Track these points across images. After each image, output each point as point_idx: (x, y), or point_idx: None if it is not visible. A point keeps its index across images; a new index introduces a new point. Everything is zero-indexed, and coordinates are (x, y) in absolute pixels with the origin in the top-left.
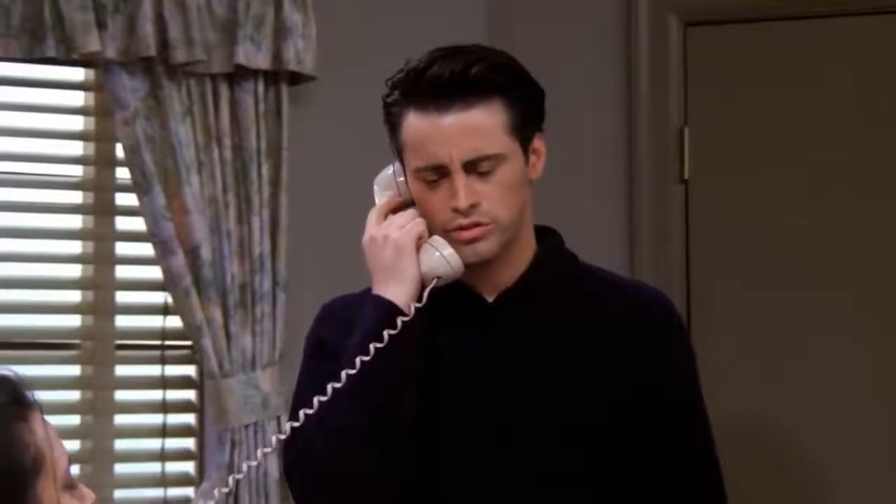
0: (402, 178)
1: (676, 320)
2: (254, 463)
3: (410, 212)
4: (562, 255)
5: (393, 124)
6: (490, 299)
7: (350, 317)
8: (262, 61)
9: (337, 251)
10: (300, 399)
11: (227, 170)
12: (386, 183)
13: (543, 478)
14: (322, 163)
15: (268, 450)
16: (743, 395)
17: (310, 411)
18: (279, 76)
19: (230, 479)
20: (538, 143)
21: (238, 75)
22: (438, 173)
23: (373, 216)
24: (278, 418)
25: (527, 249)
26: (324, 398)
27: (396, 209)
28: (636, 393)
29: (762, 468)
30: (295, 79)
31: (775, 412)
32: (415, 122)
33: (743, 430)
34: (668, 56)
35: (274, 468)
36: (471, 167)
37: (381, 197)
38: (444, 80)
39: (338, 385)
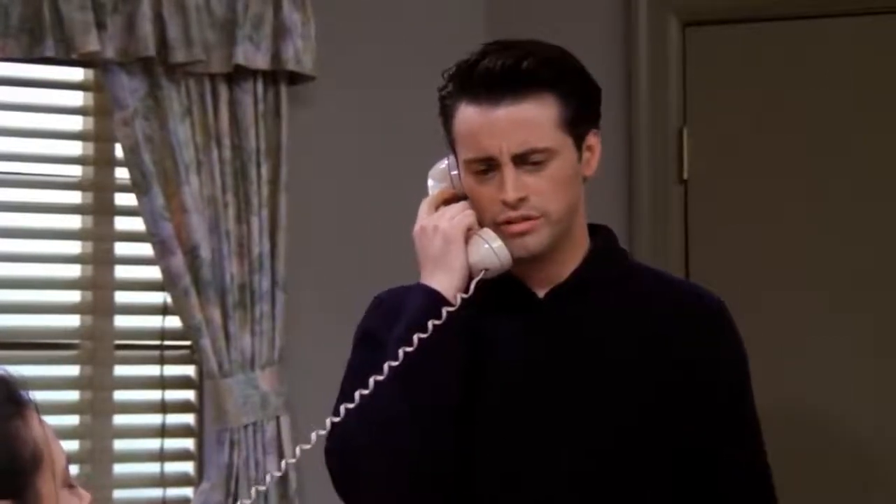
0: (455, 172)
1: (727, 321)
2: (292, 460)
3: (462, 203)
4: (614, 252)
5: (446, 116)
6: (541, 295)
7: (397, 308)
8: (261, 61)
9: (336, 251)
10: (343, 391)
11: (227, 170)
12: (440, 175)
13: (585, 478)
14: (321, 163)
15: (307, 446)
16: None
17: (350, 406)
18: (278, 76)
19: (268, 477)
20: (593, 140)
21: (237, 75)
22: (489, 165)
23: (424, 206)
24: (277, 418)
25: (580, 246)
26: (365, 391)
27: (448, 201)
28: (683, 393)
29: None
30: (294, 79)
31: (775, 412)
32: (466, 114)
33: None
34: (667, 56)
35: (273, 468)
36: (520, 160)
37: (435, 189)
38: (495, 72)
39: (380, 378)
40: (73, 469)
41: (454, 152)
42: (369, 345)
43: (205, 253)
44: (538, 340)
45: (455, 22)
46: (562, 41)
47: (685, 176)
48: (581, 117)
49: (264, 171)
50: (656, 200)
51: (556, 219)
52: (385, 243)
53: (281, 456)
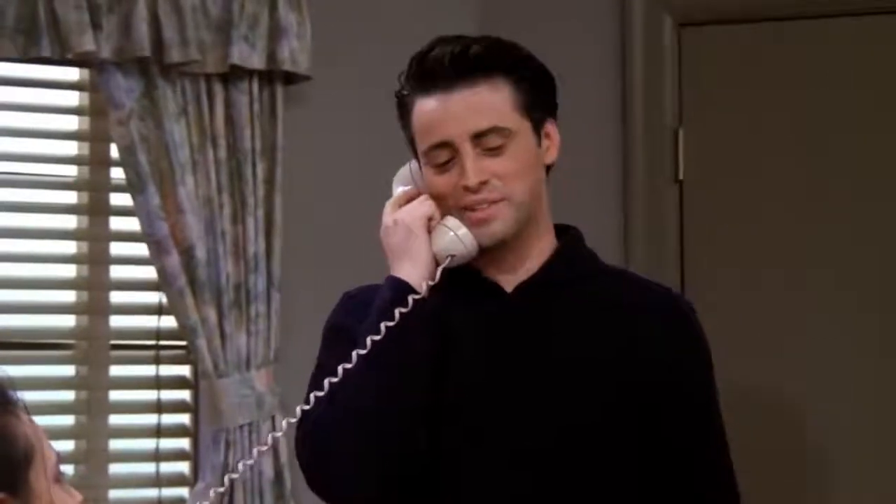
0: (419, 174)
1: (694, 322)
2: (250, 461)
3: (421, 196)
4: (582, 251)
5: (405, 117)
6: (508, 290)
7: (366, 302)
8: (256, 61)
9: (332, 251)
10: (312, 383)
11: (222, 170)
12: (404, 179)
13: (549, 475)
14: (317, 163)
15: (264, 448)
16: (738, 393)
17: (320, 394)
18: (274, 76)
19: (225, 479)
20: (550, 128)
21: (233, 75)
22: (449, 154)
23: (387, 208)
24: (273, 418)
25: (546, 242)
26: (334, 380)
27: (411, 200)
28: (649, 392)
29: (761, 464)
30: (290, 79)
31: (772, 411)
32: (422, 107)
33: (740, 428)
34: (662, 56)
35: (269, 468)
36: (479, 142)
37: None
38: (445, 60)
39: (348, 366)
40: (69, 469)
41: (414, 151)
42: (337, 339)
43: (200, 253)
44: (503, 335)
45: (451, 22)
46: (557, 41)
47: (680, 176)
48: (535, 102)
49: (260, 171)
50: (651, 201)
51: (518, 200)
52: (380, 243)
53: (276, 456)
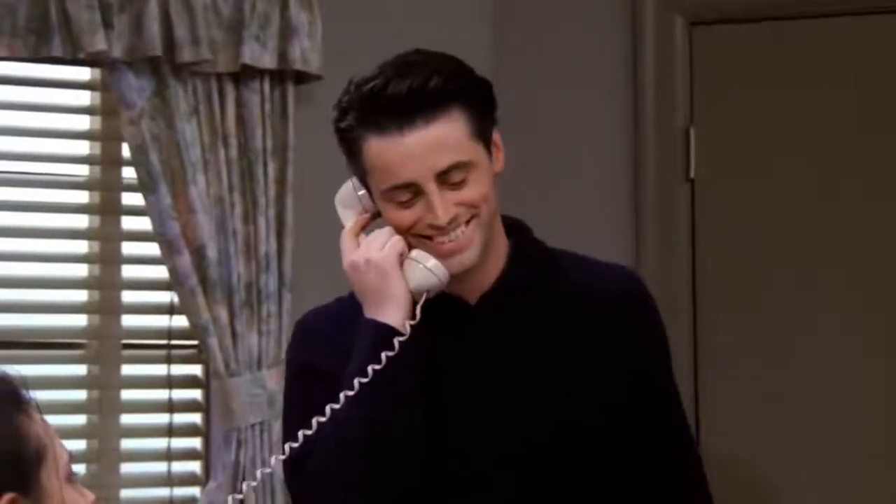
0: (362, 192)
1: (649, 301)
2: (268, 470)
3: (386, 230)
4: (534, 248)
5: (350, 149)
6: (472, 302)
7: (333, 333)
8: (267, 61)
9: None
10: (294, 420)
11: (233, 169)
12: (348, 200)
13: (545, 476)
14: (328, 162)
15: (282, 456)
16: (749, 393)
17: (309, 432)
18: (285, 76)
19: (244, 486)
20: (496, 136)
21: (244, 75)
22: (411, 192)
23: (346, 240)
24: None
25: (500, 247)
26: (323, 419)
27: (366, 226)
28: (630, 385)
29: (764, 463)
30: (301, 78)
31: (781, 410)
32: (377, 145)
33: (746, 428)
34: (673, 56)
35: (280, 468)
36: (443, 179)
37: (347, 216)
38: (402, 98)
39: (336, 406)
40: (80, 468)
41: (363, 182)
42: (311, 376)
43: (212, 252)
44: (472, 345)
45: (463, 21)
46: (568, 41)
47: (692, 175)
48: (486, 121)
49: (271, 170)
50: (662, 200)
51: (485, 221)
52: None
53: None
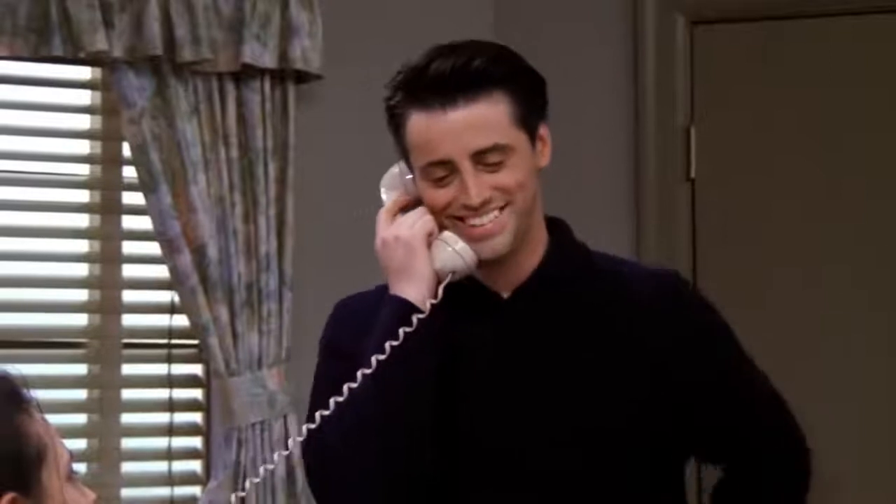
0: (409, 177)
1: (693, 297)
2: (270, 466)
3: (419, 210)
4: (573, 246)
5: (397, 126)
6: (505, 295)
7: (363, 316)
8: (268, 60)
9: (343, 250)
10: (316, 401)
11: (234, 169)
12: (392, 183)
13: (562, 476)
14: (329, 162)
15: (285, 452)
16: None
17: (326, 413)
18: (286, 75)
19: (247, 483)
20: (543, 130)
21: (245, 74)
22: (447, 170)
23: (381, 218)
24: (285, 417)
25: (539, 242)
26: (340, 399)
27: (405, 208)
28: (658, 380)
29: None
30: (301, 77)
31: None
32: (419, 121)
33: None
34: (674, 55)
35: (280, 467)
36: (479, 159)
37: (389, 197)
38: (445, 76)
39: (353, 385)
40: (81, 468)
41: (407, 161)
42: (336, 355)
43: (212, 252)
44: (501, 338)
45: (464, 20)
46: (570, 40)
47: (692, 174)
48: (532, 111)
49: (272, 169)
50: (663, 199)
51: (520, 209)
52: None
53: (288, 455)
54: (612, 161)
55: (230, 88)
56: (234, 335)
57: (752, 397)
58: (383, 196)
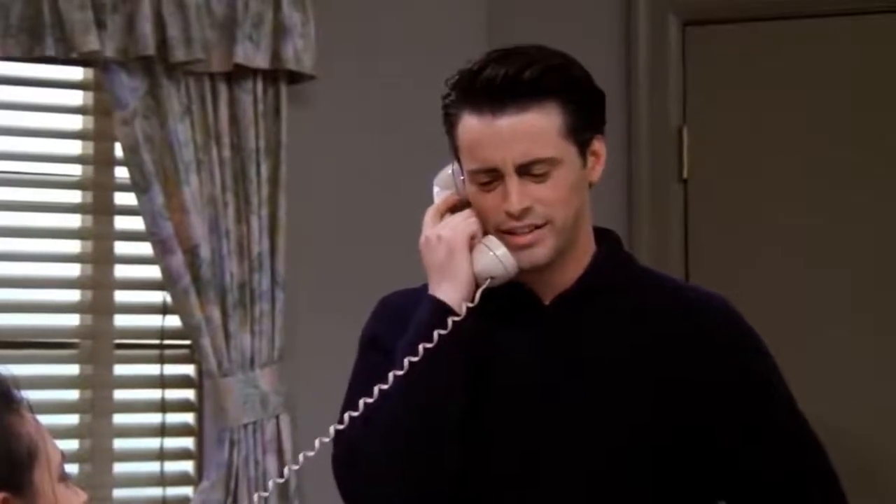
0: (461, 177)
1: (741, 328)
2: (295, 467)
3: (466, 212)
4: (620, 257)
5: (450, 125)
6: (546, 302)
7: (403, 311)
8: (260, 60)
9: (336, 250)
10: (349, 398)
11: (226, 169)
12: (445, 182)
13: (596, 482)
14: (321, 162)
15: (311, 453)
16: None
17: (355, 414)
18: (278, 75)
19: (270, 483)
20: (598, 145)
21: (237, 74)
22: (492, 176)
23: (429, 216)
24: (277, 417)
25: (585, 252)
26: (370, 400)
27: (455, 208)
28: (694, 396)
29: None
30: (294, 78)
31: None
32: (469, 124)
33: None
34: (667, 55)
35: (272, 468)
36: (524, 170)
37: (440, 196)
38: (497, 82)
39: (384, 387)
40: (73, 468)
41: (458, 160)
42: (375, 350)
43: (204, 252)
44: (539, 344)
45: (456, 21)
46: (562, 40)
47: (685, 175)
48: (584, 124)
49: (264, 170)
50: (656, 200)
51: (560, 227)
52: (384, 242)
53: (281, 455)
54: (604, 161)
55: (222, 89)
56: (227, 335)
57: (796, 451)
58: (435, 194)
